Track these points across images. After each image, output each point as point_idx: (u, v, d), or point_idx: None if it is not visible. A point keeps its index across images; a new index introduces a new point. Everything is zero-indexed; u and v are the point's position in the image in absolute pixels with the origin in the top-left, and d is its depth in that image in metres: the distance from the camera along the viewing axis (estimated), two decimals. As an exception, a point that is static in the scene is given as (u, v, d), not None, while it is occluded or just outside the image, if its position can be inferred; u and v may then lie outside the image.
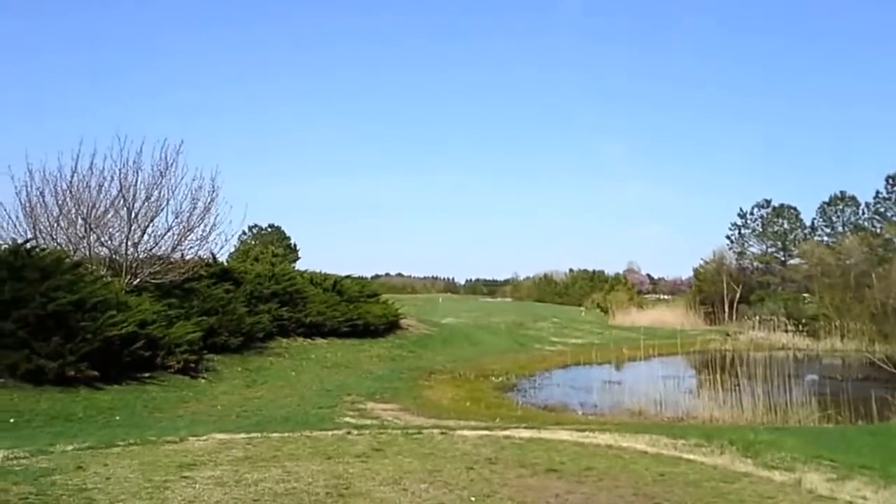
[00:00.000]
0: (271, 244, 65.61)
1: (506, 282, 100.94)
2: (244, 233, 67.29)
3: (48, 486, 6.01)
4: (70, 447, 7.78)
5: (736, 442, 8.97)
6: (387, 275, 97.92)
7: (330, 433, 9.26)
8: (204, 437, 8.53)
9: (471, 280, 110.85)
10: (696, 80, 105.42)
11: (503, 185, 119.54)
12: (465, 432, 9.63)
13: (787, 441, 9.35)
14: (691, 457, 8.29)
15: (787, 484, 7.17)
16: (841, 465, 8.01)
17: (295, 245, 69.04)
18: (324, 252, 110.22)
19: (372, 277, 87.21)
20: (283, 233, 69.03)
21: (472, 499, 6.29)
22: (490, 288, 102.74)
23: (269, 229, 69.80)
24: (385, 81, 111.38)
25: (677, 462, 8.05)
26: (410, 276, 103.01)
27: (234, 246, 60.28)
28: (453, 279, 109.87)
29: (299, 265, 57.53)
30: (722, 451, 8.55)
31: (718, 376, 19.91)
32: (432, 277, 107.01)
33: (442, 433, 9.45)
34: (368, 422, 12.85)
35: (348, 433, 9.35)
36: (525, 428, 10.41)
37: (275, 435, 8.92)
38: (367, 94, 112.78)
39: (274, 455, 7.69)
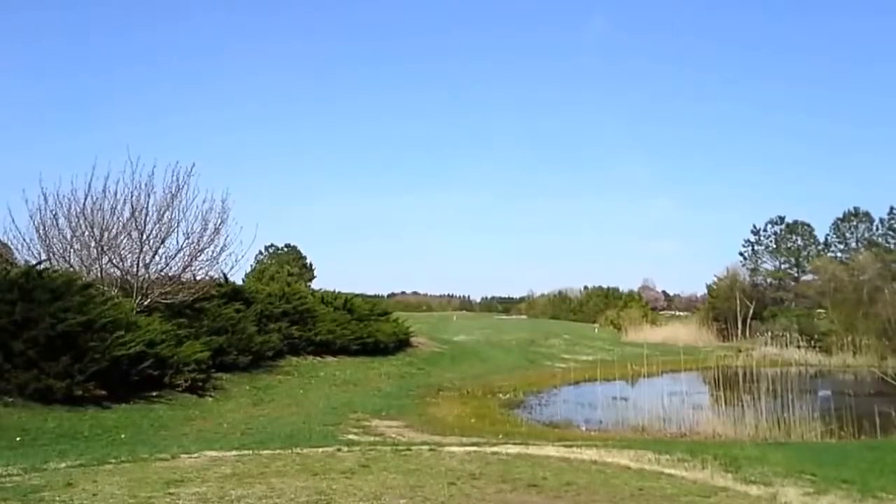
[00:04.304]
0: (287, 264, 66.16)
1: (521, 299, 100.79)
2: (260, 252, 67.92)
3: (36, 502, 6.22)
4: (63, 464, 8.01)
5: (720, 457, 9.08)
6: (402, 293, 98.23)
7: (321, 450, 9.42)
8: (195, 455, 8.73)
9: (486, 297, 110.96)
10: (716, 97, 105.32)
11: (521, 203, 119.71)
12: (454, 448, 9.78)
13: (773, 456, 9.45)
14: (673, 471, 8.41)
15: (763, 498, 7.28)
16: (821, 480, 8.10)
17: (311, 264, 69.49)
18: (341, 271, 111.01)
19: (388, 296, 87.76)
20: (299, 252, 69.50)
21: (448, 513, 6.46)
22: (505, 305, 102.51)
23: (286, 249, 70.28)
24: (403, 100, 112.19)
25: (658, 477, 8.17)
26: (426, 294, 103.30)
27: (251, 266, 61.00)
28: (469, 297, 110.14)
29: (315, 284, 58.10)
30: (704, 465, 8.66)
31: (725, 392, 19.90)
32: (448, 295, 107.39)
33: (430, 449, 9.59)
34: (371, 438, 12.94)
35: (339, 450, 9.52)
36: (513, 444, 10.53)
37: (265, 452, 9.10)
38: (385, 113, 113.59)
39: (262, 472, 7.87)
